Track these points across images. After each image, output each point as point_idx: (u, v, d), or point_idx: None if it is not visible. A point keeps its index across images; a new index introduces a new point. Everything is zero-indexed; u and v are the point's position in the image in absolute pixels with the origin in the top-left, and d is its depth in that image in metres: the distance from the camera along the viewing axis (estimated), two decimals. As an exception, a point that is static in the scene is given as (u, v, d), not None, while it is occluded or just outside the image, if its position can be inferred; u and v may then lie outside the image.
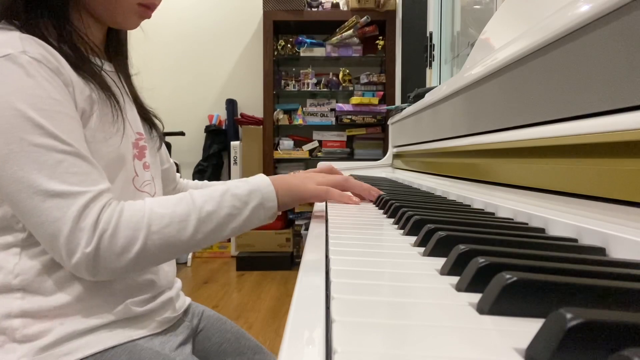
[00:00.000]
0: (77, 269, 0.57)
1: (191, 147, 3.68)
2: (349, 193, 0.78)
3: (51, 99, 0.58)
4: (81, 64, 0.65)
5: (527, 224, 0.56)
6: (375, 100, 3.34)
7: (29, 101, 0.57)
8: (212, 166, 3.63)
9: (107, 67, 0.74)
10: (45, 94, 0.58)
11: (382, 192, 0.82)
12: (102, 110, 0.66)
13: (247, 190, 0.65)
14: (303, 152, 3.45)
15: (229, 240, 3.56)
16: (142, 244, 0.58)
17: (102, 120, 0.66)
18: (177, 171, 1.03)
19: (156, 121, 0.85)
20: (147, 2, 0.71)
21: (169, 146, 3.58)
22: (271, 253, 3.29)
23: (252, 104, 3.66)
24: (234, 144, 3.49)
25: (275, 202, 0.67)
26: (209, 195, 0.64)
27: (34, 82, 0.58)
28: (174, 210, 0.61)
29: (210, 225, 0.62)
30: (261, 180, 0.68)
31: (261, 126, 3.43)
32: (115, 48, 0.79)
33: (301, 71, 3.48)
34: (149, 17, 0.74)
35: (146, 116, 0.82)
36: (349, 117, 3.40)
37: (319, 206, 0.83)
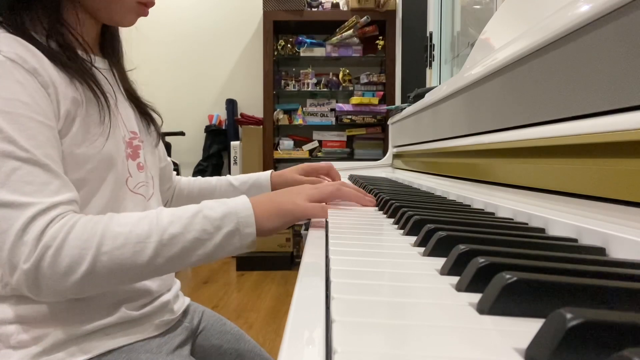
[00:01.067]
0: (19, 286, 0.53)
1: (191, 147, 3.68)
2: None
3: (17, 102, 0.55)
4: (70, 62, 0.63)
5: (527, 224, 0.56)
6: (375, 100, 3.34)
7: None
8: (212, 166, 3.63)
9: (101, 64, 0.73)
10: (11, 96, 0.55)
11: (375, 201, 0.80)
12: (89, 110, 0.64)
13: (222, 213, 0.58)
14: (303, 152, 3.46)
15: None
16: (89, 265, 0.52)
17: (88, 120, 0.64)
18: (177, 173, 1.02)
19: (155, 115, 0.83)
20: (144, 0, 0.70)
21: (169, 146, 3.58)
22: (271, 253, 3.29)
23: (252, 104, 3.66)
24: (234, 144, 3.49)
25: (254, 228, 0.59)
26: (177, 215, 0.57)
27: (1, 83, 0.55)
28: (132, 229, 0.55)
29: (174, 250, 0.55)
30: (241, 203, 0.60)
31: (261, 126, 3.43)
32: (110, 43, 0.78)
33: (301, 71, 3.48)
34: (146, 14, 0.73)
35: (144, 111, 0.80)
36: (349, 117, 3.40)
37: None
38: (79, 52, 0.68)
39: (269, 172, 1.05)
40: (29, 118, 0.55)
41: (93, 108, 0.65)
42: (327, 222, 0.61)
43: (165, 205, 0.96)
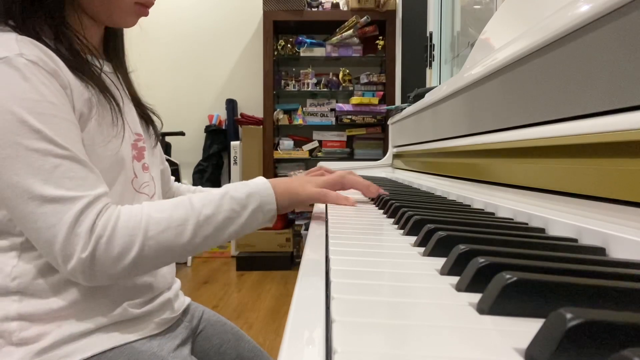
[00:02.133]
0: (74, 275, 0.57)
1: (191, 147, 3.68)
2: (349, 191, 0.78)
3: (47, 103, 0.57)
4: (79, 66, 0.65)
5: (527, 224, 0.56)
6: (375, 100, 3.34)
7: (25, 105, 0.56)
8: (212, 166, 3.63)
9: (106, 67, 0.74)
10: (42, 98, 0.57)
11: (382, 191, 0.82)
12: (101, 112, 0.65)
13: (246, 193, 0.65)
14: (303, 152, 3.45)
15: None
16: (139, 249, 0.58)
17: (101, 122, 0.65)
18: (177, 173, 1.03)
19: (154, 118, 0.84)
20: (143, 1, 0.71)
21: (169, 146, 3.58)
22: (271, 253, 3.29)
23: (252, 104, 3.66)
24: (234, 144, 3.49)
25: (274, 205, 0.67)
26: (207, 199, 0.63)
27: (30, 85, 0.57)
28: (171, 214, 0.61)
29: (209, 229, 0.62)
30: (261, 183, 0.68)
31: (261, 126, 3.43)
32: (114, 47, 0.79)
33: (301, 71, 3.48)
34: (146, 15, 0.73)
35: (144, 113, 0.82)
36: (349, 117, 3.40)
37: (319, 207, 0.83)
38: (87, 56, 0.69)
39: (260, 177, 1.07)
40: (59, 118, 0.58)
41: (105, 111, 0.66)
42: (327, 222, 0.61)
43: None
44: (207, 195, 0.64)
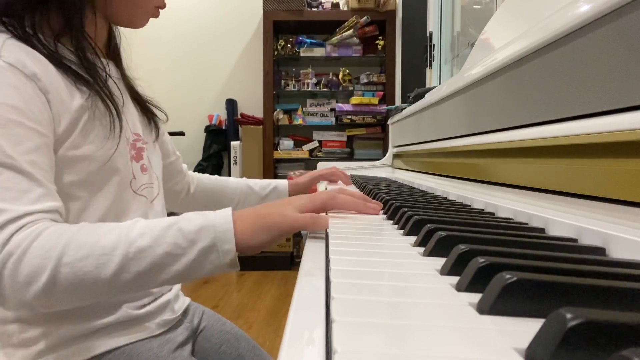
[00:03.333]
0: None
1: (191, 147, 3.68)
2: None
3: (8, 106, 0.54)
4: (82, 69, 0.64)
5: (527, 224, 0.56)
6: (375, 100, 3.34)
7: None
8: (212, 166, 3.63)
9: (112, 67, 0.74)
10: (3, 100, 0.54)
11: (380, 205, 0.70)
12: (96, 114, 0.64)
13: (198, 226, 0.53)
14: (303, 152, 3.45)
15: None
16: (49, 276, 0.49)
17: (95, 125, 0.64)
18: None
19: (156, 111, 0.84)
20: (161, 4, 0.73)
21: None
22: (271, 253, 3.29)
23: (252, 104, 3.66)
24: (234, 144, 3.49)
25: (232, 244, 0.53)
26: (150, 227, 0.53)
27: None
28: (99, 240, 0.51)
29: (142, 265, 0.51)
30: (221, 216, 0.54)
31: (261, 126, 3.43)
32: (115, 44, 0.79)
33: (301, 71, 3.48)
34: (157, 16, 0.76)
35: (145, 108, 0.81)
36: (349, 117, 3.40)
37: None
38: (91, 56, 0.68)
39: (286, 180, 1.08)
40: (18, 123, 0.54)
41: (100, 112, 0.64)
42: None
43: (181, 199, 0.98)
44: (152, 223, 0.54)
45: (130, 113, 0.76)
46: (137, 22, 0.74)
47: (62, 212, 0.57)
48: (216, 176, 1.05)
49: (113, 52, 0.79)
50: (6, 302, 0.51)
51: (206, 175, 1.04)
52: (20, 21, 0.62)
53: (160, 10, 0.75)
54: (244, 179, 1.05)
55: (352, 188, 1.15)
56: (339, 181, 1.22)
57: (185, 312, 0.81)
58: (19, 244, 0.49)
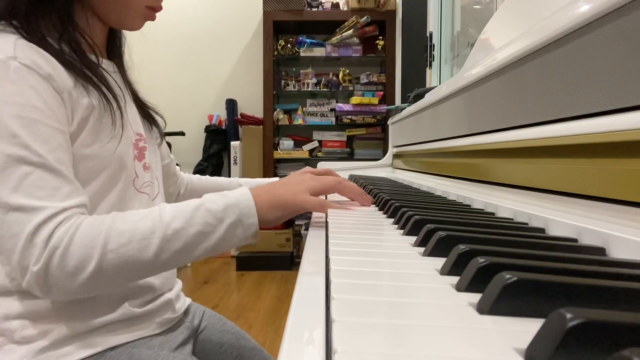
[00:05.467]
0: (30, 288, 0.54)
1: (191, 147, 3.68)
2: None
3: (31, 107, 0.56)
4: (83, 67, 0.65)
5: (527, 224, 0.56)
6: (375, 100, 3.34)
7: (8, 108, 0.55)
8: (212, 166, 3.63)
9: (110, 67, 0.75)
10: (26, 102, 0.56)
11: (371, 200, 0.80)
12: (102, 113, 0.65)
13: (223, 205, 0.59)
14: (303, 152, 3.45)
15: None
16: (96, 263, 0.53)
17: (102, 123, 0.65)
18: None
19: (157, 117, 0.84)
20: (153, 4, 0.71)
21: (169, 146, 3.58)
22: (271, 253, 3.29)
23: (252, 104, 3.66)
24: (234, 144, 3.49)
25: (255, 218, 0.60)
26: (179, 210, 0.58)
27: (15, 88, 0.56)
28: (137, 226, 0.56)
29: (178, 244, 0.56)
30: (241, 194, 0.61)
31: (261, 126, 3.43)
32: (117, 46, 0.80)
33: (301, 71, 3.48)
34: (153, 19, 0.74)
35: (146, 113, 0.82)
36: (349, 117, 3.40)
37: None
38: (92, 56, 0.69)
39: (276, 179, 1.08)
40: (42, 123, 0.56)
41: (105, 111, 0.66)
42: (327, 221, 0.61)
43: (173, 201, 0.98)
44: (179, 207, 0.59)
45: (132, 113, 0.76)
46: (127, 23, 0.73)
47: (88, 206, 0.60)
48: (207, 177, 1.05)
49: (116, 53, 0.79)
50: (52, 293, 0.54)
51: (197, 176, 1.04)
52: (27, 22, 0.63)
53: (157, 12, 0.75)
54: (236, 178, 1.05)
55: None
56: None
57: (186, 313, 0.82)
58: (62, 237, 0.53)
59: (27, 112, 0.56)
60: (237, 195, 0.61)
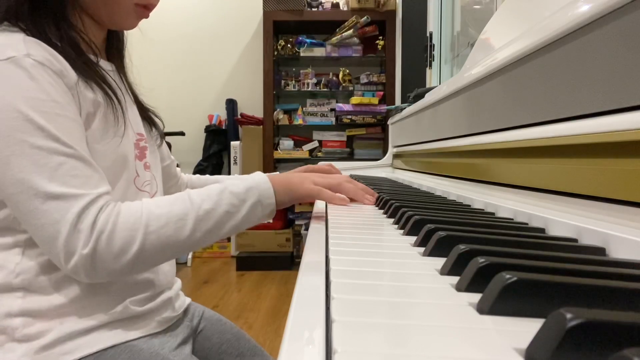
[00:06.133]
0: (75, 271, 0.57)
1: (191, 147, 3.68)
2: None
3: (53, 102, 0.58)
4: (84, 66, 0.65)
5: (527, 224, 0.56)
6: (375, 100, 3.34)
7: (31, 104, 0.57)
8: (212, 166, 3.63)
9: (109, 67, 0.75)
10: (48, 97, 0.58)
11: (377, 195, 0.82)
12: (105, 111, 0.66)
13: (245, 187, 0.66)
14: (303, 152, 3.45)
15: (229, 240, 3.57)
16: (139, 244, 0.58)
17: (105, 121, 0.66)
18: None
19: (156, 120, 0.85)
20: (144, 2, 0.70)
21: (169, 146, 3.58)
22: (271, 253, 3.29)
23: (252, 104, 3.66)
24: (234, 144, 3.49)
25: (273, 199, 0.67)
26: (206, 194, 0.64)
27: (36, 85, 0.58)
28: (171, 209, 0.61)
29: (209, 224, 0.62)
30: (259, 178, 0.68)
31: (261, 126, 3.43)
32: (117, 47, 0.80)
33: (301, 71, 3.48)
34: (146, 17, 0.74)
35: (146, 115, 0.82)
36: (349, 117, 3.40)
37: (318, 207, 0.83)
38: (90, 56, 0.69)
39: (276, 174, 1.08)
40: (64, 117, 0.59)
41: (109, 109, 0.67)
42: (327, 221, 0.61)
43: None
44: (205, 191, 0.65)
45: (133, 114, 0.77)
46: (119, 21, 0.72)
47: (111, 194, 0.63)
48: (207, 176, 1.05)
49: (115, 54, 0.79)
50: (98, 274, 0.58)
51: (197, 176, 1.05)
52: (32, 23, 0.63)
53: (158, 10, 0.74)
54: (235, 175, 1.07)
55: None
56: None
57: (185, 312, 0.82)
58: (107, 221, 0.57)
59: (49, 107, 0.58)
60: (255, 178, 0.68)
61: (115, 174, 0.68)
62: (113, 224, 0.57)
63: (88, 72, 0.65)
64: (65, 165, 0.57)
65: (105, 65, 0.73)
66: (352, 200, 0.79)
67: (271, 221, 0.70)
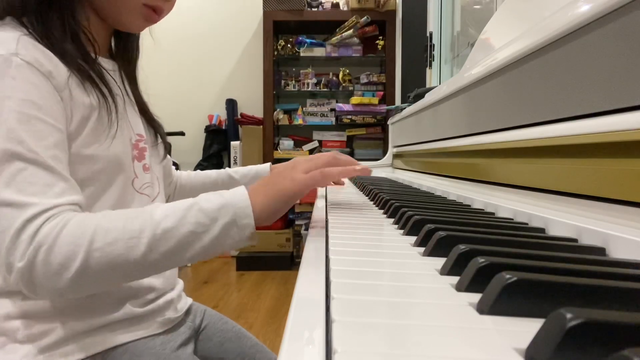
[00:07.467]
0: (17, 285, 0.53)
1: (191, 147, 3.68)
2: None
3: (31, 103, 0.56)
4: (82, 65, 0.64)
5: (527, 224, 0.56)
6: (375, 100, 3.34)
7: (7, 103, 0.55)
8: (212, 166, 3.63)
9: (109, 65, 0.73)
10: (26, 97, 0.56)
11: (368, 170, 0.75)
12: (101, 112, 0.65)
13: (218, 204, 0.56)
14: (303, 152, 3.45)
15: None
16: (82, 261, 0.51)
17: (100, 123, 0.65)
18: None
19: (157, 125, 0.84)
20: (152, 3, 0.69)
21: (169, 146, 3.58)
22: (271, 253, 3.29)
23: (252, 104, 3.66)
24: (234, 144, 3.49)
25: (251, 219, 0.56)
26: (172, 209, 0.55)
27: (16, 84, 0.56)
28: (125, 225, 0.53)
29: (169, 244, 0.54)
30: (238, 193, 0.58)
31: (261, 126, 3.43)
32: (124, 47, 0.79)
33: (301, 71, 3.48)
34: (154, 21, 0.72)
35: (153, 125, 0.81)
36: (349, 117, 3.40)
37: (318, 207, 0.83)
38: (91, 53, 0.68)
39: (268, 164, 1.05)
40: (40, 120, 0.56)
41: (104, 110, 0.65)
42: (327, 221, 0.61)
43: (167, 201, 0.97)
44: (172, 206, 0.57)
45: (133, 114, 0.76)
46: (125, 21, 0.71)
47: (82, 205, 0.58)
48: (197, 171, 1.03)
49: (121, 54, 0.79)
50: (37, 291, 0.52)
51: (186, 172, 1.02)
52: (35, 18, 0.62)
53: (158, 17, 0.72)
54: (226, 169, 1.03)
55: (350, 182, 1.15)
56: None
57: (187, 312, 0.82)
58: (48, 233, 0.51)
59: (26, 108, 0.55)
60: (233, 194, 0.58)
61: (108, 176, 0.66)
62: (54, 237, 0.51)
63: (84, 71, 0.64)
64: (25, 172, 0.53)
65: (106, 63, 0.72)
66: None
67: (254, 244, 0.59)
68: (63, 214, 0.53)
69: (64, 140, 0.59)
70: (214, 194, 0.58)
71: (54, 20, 0.64)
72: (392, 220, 0.64)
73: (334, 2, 3.43)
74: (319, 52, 3.36)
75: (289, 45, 3.44)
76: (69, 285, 0.52)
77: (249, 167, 1.04)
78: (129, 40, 0.80)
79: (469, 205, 0.75)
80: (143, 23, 0.72)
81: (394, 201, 0.69)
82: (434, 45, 2.78)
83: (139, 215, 0.55)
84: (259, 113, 3.50)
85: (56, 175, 0.55)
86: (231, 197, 0.57)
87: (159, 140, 0.83)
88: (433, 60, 2.78)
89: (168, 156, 0.95)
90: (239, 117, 3.57)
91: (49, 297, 0.55)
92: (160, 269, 0.56)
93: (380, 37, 3.35)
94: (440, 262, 0.39)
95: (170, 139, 3.54)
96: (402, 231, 0.55)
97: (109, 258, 0.52)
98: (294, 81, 3.48)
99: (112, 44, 0.79)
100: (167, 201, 0.98)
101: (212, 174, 1.02)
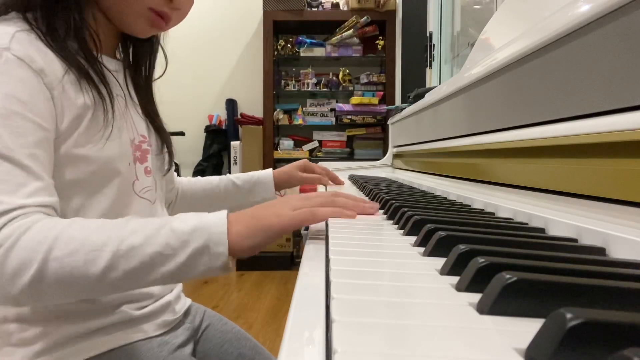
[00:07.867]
0: None
1: (191, 147, 3.68)
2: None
3: (15, 99, 0.54)
4: (82, 63, 0.63)
5: (527, 224, 0.56)
6: (375, 100, 3.34)
7: None
8: (212, 166, 3.63)
9: (113, 66, 0.72)
10: (11, 92, 0.54)
11: (377, 205, 0.68)
12: (97, 112, 0.63)
13: (191, 226, 0.51)
14: (303, 152, 3.45)
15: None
16: (37, 269, 0.47)
17: (94, 124, 0.63)
18: (178, 173, 1.03)
19: (162, 130, 0.83)
20: (159, 9, 0.67)
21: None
22: (271, 253, 3.29)
23: (252, 104, 3.66)
24: (234, 144, 3.49)
25: (225, 248, 0.51)
26: (142, 225, 0.51)
27: (2, 79, 0.54)
28: (89, 235, 0.49)
29: (132, 263, 0.49)
30: (217, 218, 0.52)
31: (261, 126, 3.43)
32: (134, 51, 0.78)
33: (301, 71, 3.48)
34: (161, 28, 0.71)
35: (161, 135, 0.80)
36: (349, 117, 3.40)
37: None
38: (93, 50, 0.67)
39: (270, 170, 1.05)
40: (22, 116, 0.54)
41: (99, 110, 0.64)
42: (327, 222, 0.61)
43: (168, 207, 0.97)
44: (146, 221, 0.52)
45: (136, 116, 0.75)
46: (130, 24, 0.69)
47: (57, 207, 0.56)
48: (198, 177, 1.02)
49: (127, 57, 0.78)
50: None
51: (187, 178, 1.01)
52: (40, 14, 0.62)
53: (165, 25, 0.70)
54: (228, 175, 1.02)
55: (344, 191, 1.15)
56: (330, 183, 1.19)
57: (186, 313, 0.81)
58: (9, 235, 0.48)
59: (9, 103, 0.54)
60: (211, 218, 0.52)
61: (102, 179, 0.65)
62: (14, 240, 0.48)
63: (84, 70, 0.63)
64: None
65: (109, 63, 0.71)
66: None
67: (226, 273, 0.53)
68: (31, 216, 0.51)
69: (48, 139, 0.57)
70: (193, 214, 0.53)
71: (59, 17, 0.63)
72: (392, 220, 0.64)
73: (334, 2, 3.43)
74: (319, 52, 3.36)
75: (289, 45, 3.44)
76: (24, 293, 0.48)
77: (251, 173, 1.04)
78: (141, 47, 0.78)
79: (469, 205, 0.75)
80: (149, 28, 0.70)
81: (394, 201, 0.69)
82: (434, 45, 2.78)
83: (107, 226, 0.51)
84: (259, 113, 3.50)
85: (30, 174, 0.53)
86: (208, 221, 0.52)
87: (165, 149, 0.81)
88: (433, 60, 2.78)
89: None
90: (239, 117, 3.57)
91: (4, 302, 0.52)
92: (123, 289, 0.52)
93: (380, 37, 3.35)
94: (440, 262, 0.39)
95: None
96: (402, 231, 0.55)
97: (66, 270, 0.48)
98: (294, 81, 3.48)
99: (120, 46, 0.78)
100: (168, 208, 0.97)
101: (213, 180, 1.01)
